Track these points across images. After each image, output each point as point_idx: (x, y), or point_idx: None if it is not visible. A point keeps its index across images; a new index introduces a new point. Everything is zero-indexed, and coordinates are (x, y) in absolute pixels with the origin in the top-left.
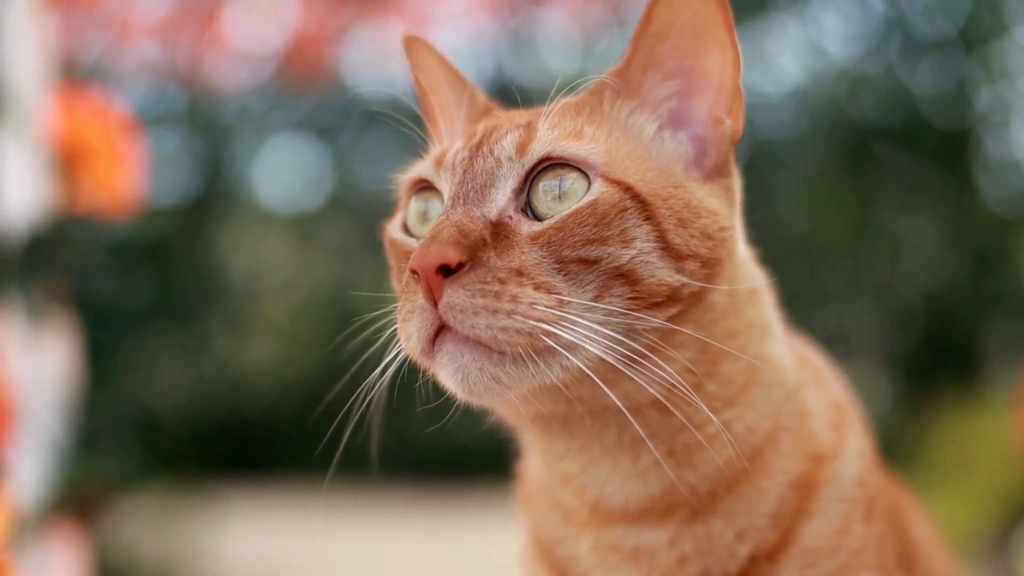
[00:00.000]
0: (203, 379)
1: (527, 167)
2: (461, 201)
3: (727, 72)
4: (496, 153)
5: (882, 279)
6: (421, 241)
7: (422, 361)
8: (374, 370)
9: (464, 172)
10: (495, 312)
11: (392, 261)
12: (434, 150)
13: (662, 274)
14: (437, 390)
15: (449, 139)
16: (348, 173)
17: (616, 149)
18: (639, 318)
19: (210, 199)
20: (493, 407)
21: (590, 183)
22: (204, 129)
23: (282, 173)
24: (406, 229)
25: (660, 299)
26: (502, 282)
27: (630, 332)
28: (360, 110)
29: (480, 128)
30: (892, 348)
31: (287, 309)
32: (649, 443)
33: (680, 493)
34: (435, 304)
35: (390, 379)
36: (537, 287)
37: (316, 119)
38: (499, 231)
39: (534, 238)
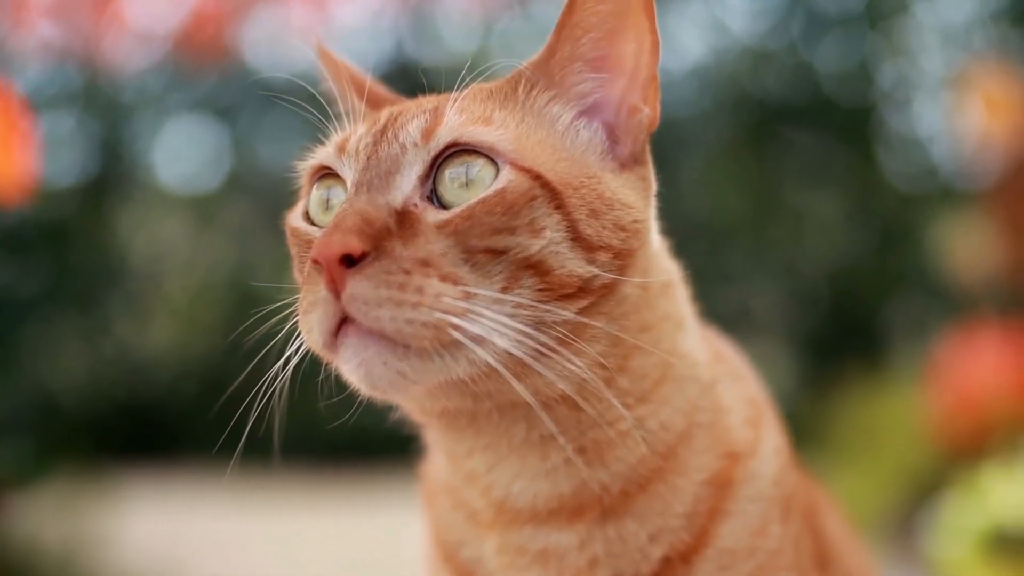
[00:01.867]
0: (103, 363)
1: (432, 153)
2: (365, 188)
3: (644, 59)
4: (401, 139)
5: (786, 257)
6: (323, 230)
7: (324, 354)
8: (277, 356)
9: (368, 158)
10: (400, 304)
11: (293, 251)
12: (336, 136)
13: (572, 265)
14: (340, 382)
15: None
16: (248, 154)
17: (527, 136)
18: (548, 310)
19: (109, 181)
20: (397, 402)
21: (498, 170)
22: (103, 110)
23: (181, 154)
24: (308, 218)
25: (570, 291)
26: (407, 272)
27: (539, 325)
28: (260, 90)
29: (384, 113)
30: (796, 326)
31: (187, 291)
32: (560, 440)
33: (591, 492)
34: (338, 295)
35: (293, 366)
36: (443, 278)
37: (215, 99)
38: (404, 220)
39: (440, 227)
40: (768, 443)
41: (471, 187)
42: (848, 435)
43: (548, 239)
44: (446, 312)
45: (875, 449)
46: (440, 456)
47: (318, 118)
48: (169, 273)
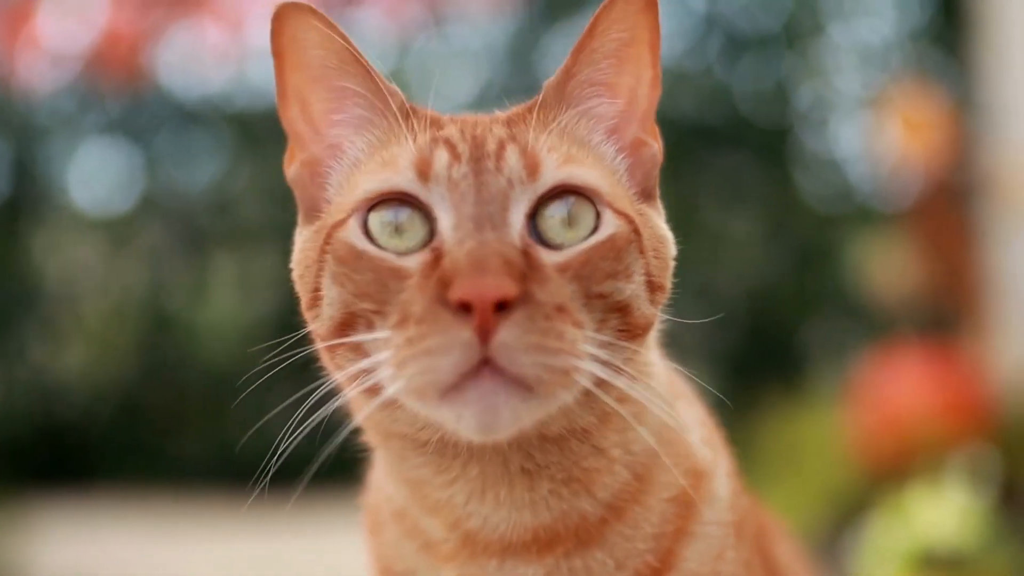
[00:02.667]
0: (17, 386)
1: (539, 192)
2: (487, 225)
3: (649, 92)
4: (506, 173)
5: (704, 278)
6: (460, 267)
7: (426, 400)
8: (188, 373)
9: (477, 191)
10: (544, 350)
11: (353, 275)
12: (402, 157)
13: (645, 307)
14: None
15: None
16: (161, 176)
17: (604, 175)
18: (627, 348)
19: (22, 203)
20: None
21: (598, 212)
22: (15, 131)
23: (95, 176)
24: (372, 238)
25: (640, 332)
26: (549, 318)
27: (612, 362)
28: (173, 112)
29: (456, 134)
30: (715, 347)
31: (101, 314)
32: (551, 470)
33: (570, 522)
34: (485, 340)
35: (206, 385)
36: (576, 324)
37: (129, 121)
38: (529, 261)
39: (562, 270)
40: (723, 465)
41: (576, 227)
42: (769, 456)
43: (636, 283)
44: (579, 357)
45: (796, 470)
46: (392, 483)
47: (230, 137)
48: (83, 296)
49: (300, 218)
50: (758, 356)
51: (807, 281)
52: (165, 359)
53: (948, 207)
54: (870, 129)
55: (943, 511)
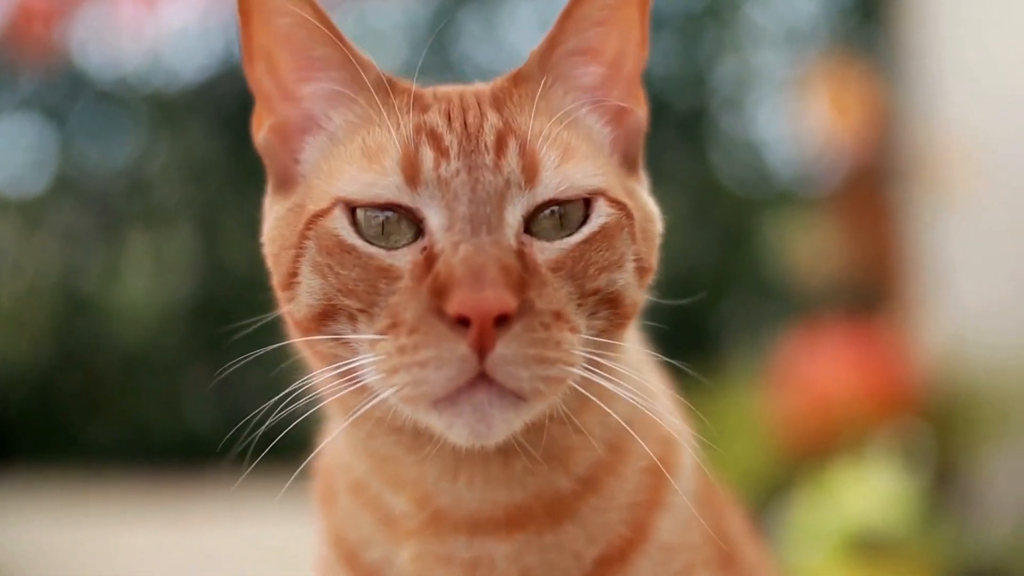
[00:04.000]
0: None
1: (540, 200)
2: (483, 227)
3: (637, 55)
4: (505, 172)
5: None
6: (456, 277)
7: (416, 408)
8: (104, 357)
9: (472, 189)
10: (542, 362)
11: (339, 269)
12: (387, 155)
13: (635, 294)
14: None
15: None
16: (75, 155)
17: (598, 162)
18: (612, 344)
19: None
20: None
21: (590, 200)
22: None
23: (7, 155)
24: (360, 231)
25: (629, 319)
26: (547, 327)
27: (597, 353)
28: (88, 90)
29: (443, 122)
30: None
31: (13, 295)
32: (528, 450)
33: (544, 499)
34: (483, 355)
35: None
36: (572, 329)
37: (42, 99)
38: (525, 264)
39: (555, 269)
40: (687, 433)
41: (567, 222)
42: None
43: (628, 271)
44: (573, 364)
45: (718, 451)
46: (353, 455)
47: (146, 115)
48: None
49: (271, 187)
50: (678, 338)
51: (728, 263)
52: (79, 340)
53: (873, 186)
54: (793, 109)
55: (871, 492)
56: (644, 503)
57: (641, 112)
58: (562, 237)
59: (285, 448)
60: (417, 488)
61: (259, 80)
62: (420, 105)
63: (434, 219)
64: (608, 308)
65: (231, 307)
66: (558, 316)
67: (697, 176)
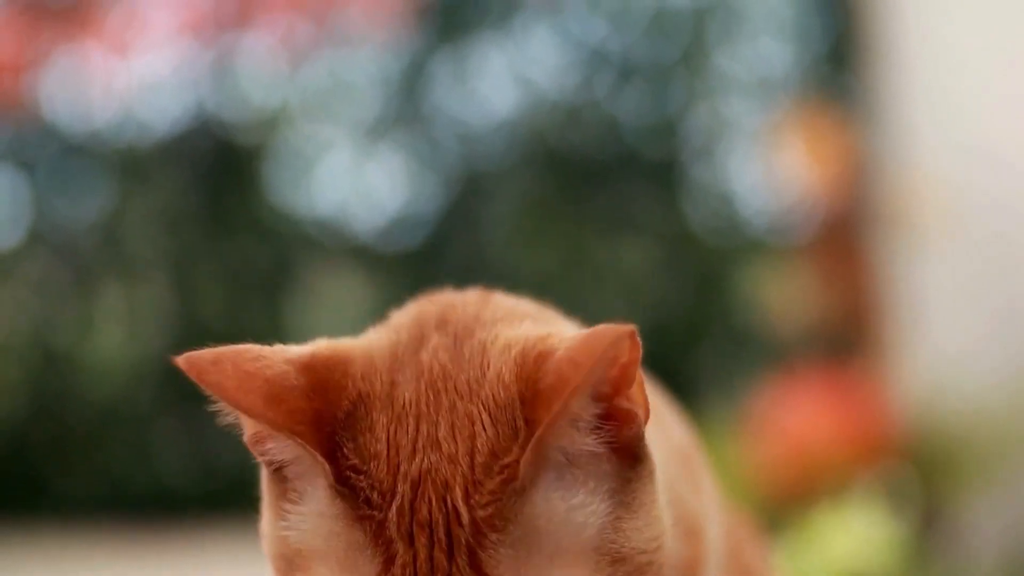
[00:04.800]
0: None
1: None
2: None
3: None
4: None
5: (596, 311)
6: None
7: None
8: (77, 411)
9: None
10: None
11: None
12: None
13: None
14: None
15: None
16: (48, 208)
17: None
18: None
19: None
20: None
21: None
22: None
23: None
24: None
25: None
26: None
27: None
28: (59, 144)
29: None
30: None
31: None
32: None
33: None
34: None
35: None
36: None
37: (13, 151)
38: None
39: None
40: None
41: None
42: None
43: None
44: None
45: None
46: None
47: (118, 167)
48: None
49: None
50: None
51: (701, 312)
52: (52, 394)
53: (848, 233)
54: (765, 157)
55: (855, 537)
56: None
57: (641, 412)
58: None
59: (258, 500)
60: None
61: None
62: (382, 539)
63: None
64: None
65: None
66: None
67: (669, 225)
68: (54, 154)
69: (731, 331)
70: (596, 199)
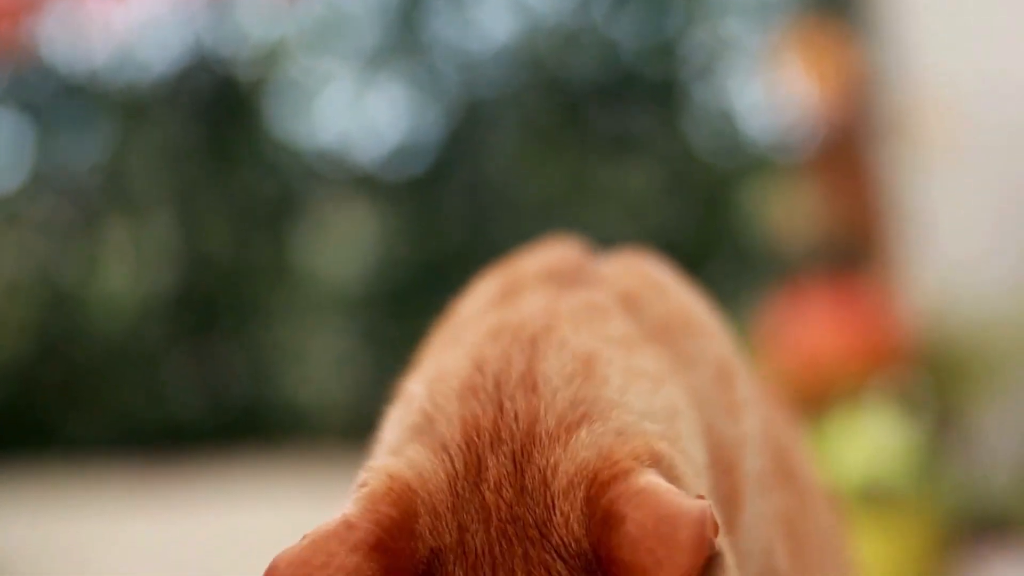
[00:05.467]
0: None
1: None
2: None
3: None
4: None
5: (601, 235)
6: None
7: None
8: (85, 349)
9: None
10: None
11: None
12: None
13: None
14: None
15: None
16: (51, 149)
17: None
18: None
19: None
20: None
21: None
22: None
23: None
24: None
25: None
26: None
27: None
28: (60, 84)
29: None
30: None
31: None
32: None
33: None
34: None
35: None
36: None
37: (15, 94)
38: None
39: None
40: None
41: None
42: None
43: None
44: None
45: None
46: None
47: (121, 107)
48: None
49: None
50: None
51: (707, 231)
52: (60, 333)
53: (853, 147)
54: (767, 75)
55: (870, 443)
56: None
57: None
58: None
59: (269, 432)
60: None
61: None
62: None
63: None
64: None
65: (212, 294)
66: None
67: (672, 146)
68: (55, 96)
69: (737, 249)
70: (597, 122)
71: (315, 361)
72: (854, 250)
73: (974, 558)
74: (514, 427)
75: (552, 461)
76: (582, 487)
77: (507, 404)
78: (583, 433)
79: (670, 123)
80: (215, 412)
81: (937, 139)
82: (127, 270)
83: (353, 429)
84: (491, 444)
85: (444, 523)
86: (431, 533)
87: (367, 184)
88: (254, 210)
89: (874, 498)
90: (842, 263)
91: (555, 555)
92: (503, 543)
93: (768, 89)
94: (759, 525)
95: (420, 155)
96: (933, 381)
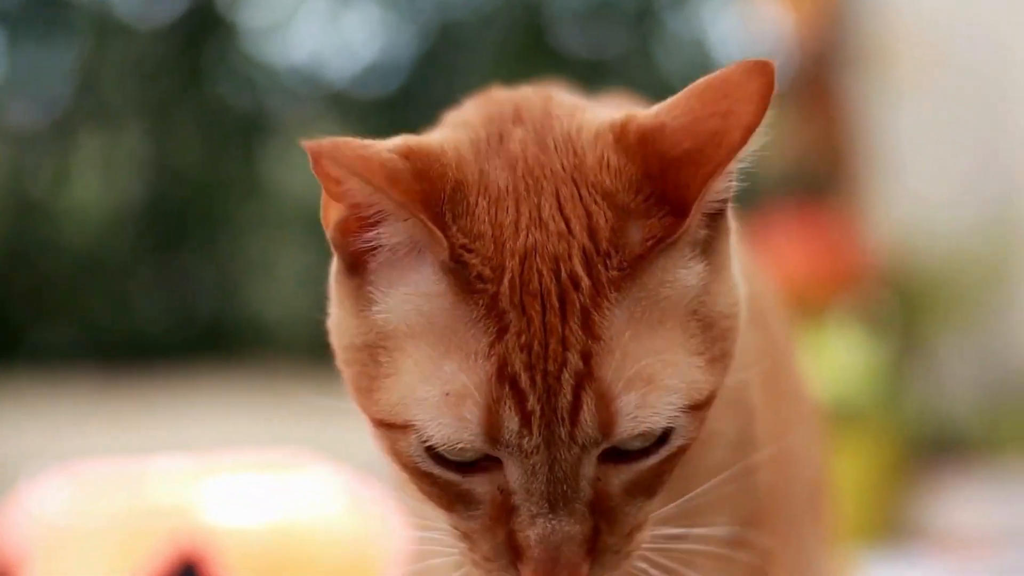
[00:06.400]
0: None
1: (614, 442)
2: (560, 503)
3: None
4: (580, 441)
5: None
6: (532, 552)
7: None
8: (52, 258)
9: (550, 468)
10: (616, 567)
11: (417, 481)
12: (467, 407)
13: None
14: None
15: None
16: (22, 58)
17: (684, 361)
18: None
19: None
20: None
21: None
22: None
23: None
24: (435, 454)
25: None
26: (618, 553)
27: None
28: None
29: (521, 367)
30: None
31: None
32: None
33: None
34: None
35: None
36: (642, 532)
37: None
38: (601, 507)
39: (629, 490)
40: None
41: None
42: None
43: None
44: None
45: None
46: None
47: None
48: None
49: (339, 265)
50: None
51: None
52: (29, 243)
53: (825, 76)
54: (740, 2)
55: (835, 362)
56: None
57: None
58: (637, 459)
59: (234, 345)
60: None
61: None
62: (495, 311)
63: (512, 473)
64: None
65: (181, 208)
66: (630, 536)
67: (644, 74)
68: (28, 6)
69: None
70: (571, 47)
71: (282, 276)
72: (824, 178)
73: (934, 477)
74: (533, 110)
75: (574, 125)
76: (609, 134)
77: (523, 103)
78: (596, 109)
79: (643, 51)
80: (182, 325)
81: (909, 72)
82: (97, 181)
83: (318, 345)
84: (513, 120)
85: (468, 165)
86: (456, 167)
87: (339, 102)
88: (226, 125)
89: (839, 415)
90: (812, 191)
91: (591, 189)
92: (529, 182)
93: (741, 18)
94: (741, 354)
95: (392, 74)
96: (898, 307)
